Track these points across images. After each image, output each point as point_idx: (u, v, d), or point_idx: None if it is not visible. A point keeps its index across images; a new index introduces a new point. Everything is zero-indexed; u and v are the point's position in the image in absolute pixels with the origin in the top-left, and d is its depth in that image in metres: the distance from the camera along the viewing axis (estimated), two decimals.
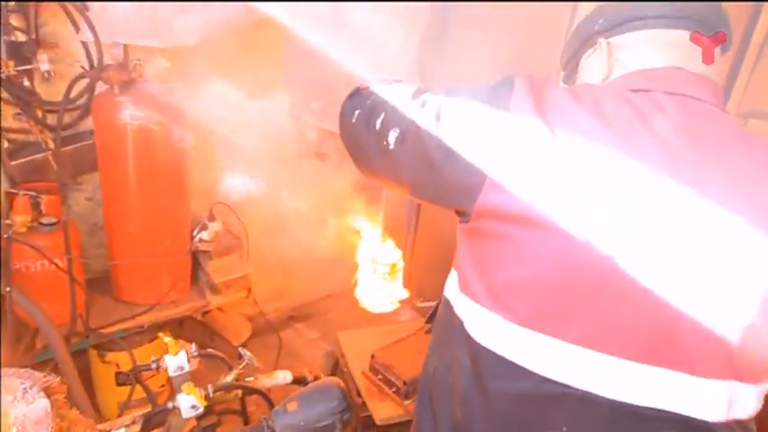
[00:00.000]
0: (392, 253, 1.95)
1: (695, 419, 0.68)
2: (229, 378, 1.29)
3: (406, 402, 1.96)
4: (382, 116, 0.82)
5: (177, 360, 1.23)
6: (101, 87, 1.85)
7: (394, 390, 1.98)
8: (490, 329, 0.75)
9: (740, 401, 0.69)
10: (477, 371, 0.77)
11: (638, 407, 0.69)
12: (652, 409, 0.69)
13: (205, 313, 2.49)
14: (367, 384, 2.07)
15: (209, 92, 2.13)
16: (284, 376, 1.39)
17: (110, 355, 1.99)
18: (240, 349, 1.32)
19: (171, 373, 1.23)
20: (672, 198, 0.66)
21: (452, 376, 0.83)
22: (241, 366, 1.31)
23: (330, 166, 2.86)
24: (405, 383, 1.96)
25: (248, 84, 2.26)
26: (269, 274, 2.86)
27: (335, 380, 1.29)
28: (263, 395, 1.29)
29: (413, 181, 0.84)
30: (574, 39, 0.93)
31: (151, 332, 2.09)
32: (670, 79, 0.77)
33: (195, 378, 1.32)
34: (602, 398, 0.69)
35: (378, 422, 1.93)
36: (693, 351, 0.67)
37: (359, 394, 2.08)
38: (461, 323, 0.80)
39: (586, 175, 0.67)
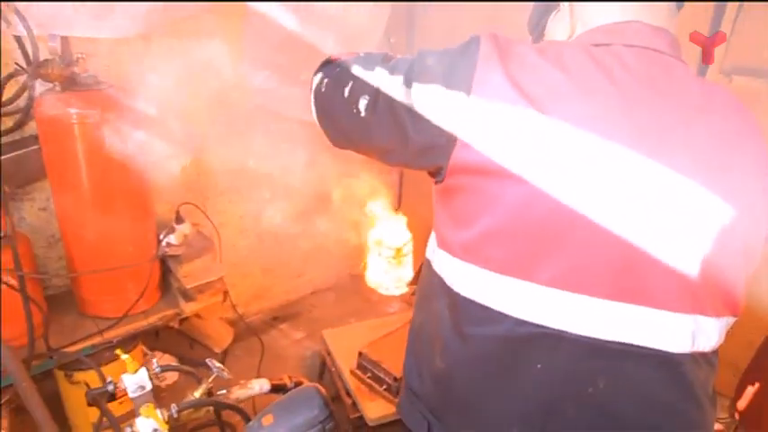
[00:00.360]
0: (398, 237, 1.81)
1: (662, 351, 0.73)
2: (198, 393, 1.17)
3: (398, 399, 1.86)
4: (351, 84, 0.84)
5: (136, 379, 1.11)
6: (44, 87, 1.70)
7: (385, 387, 1.88)
8: (467, 279, 0.78)
9: (703, 334, 0.75)
10: (456, 320, 0.81)
11: (607, 342, 0.73)
12: (621, 343, 0.73)
13: (183, 321, 2.35)
14: (356, 383, 1.96)
15: (164, 83, 1.98)
16: (261, 386, 1.27)
17: (77, 375, 1.85)
18: (208, 361, 1.19)
19: (130, 394, 1.10)
20: (632, 145, 0.69)
21: (433, 329, 0.87)
22: (210, 380, 1.18)
23: (305, 156, 2.72)
24: (395, 380, 1.85)
25: (207, 72, 2.12)
26: (248, 275, 2.73)
27: (315, 386, 1.17)
28: (237, 409, 1.17)
29: (385, 146, 0.85)
30: (539, 3, 0.95)
31: (122, 346, 1.96)
32: (628, 32, 0.79)
33: (178, 390, 1.20)
34: (574, 335, 0.73)
35: (369, 422, 1.83)
36: (658, 286, 0.71)
37: (348, 394, 1.98)
38: (440, 278, 0.83)
39: (552, 127, 0.69)
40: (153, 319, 1.99)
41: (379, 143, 0.85)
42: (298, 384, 1.35)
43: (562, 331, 0.73)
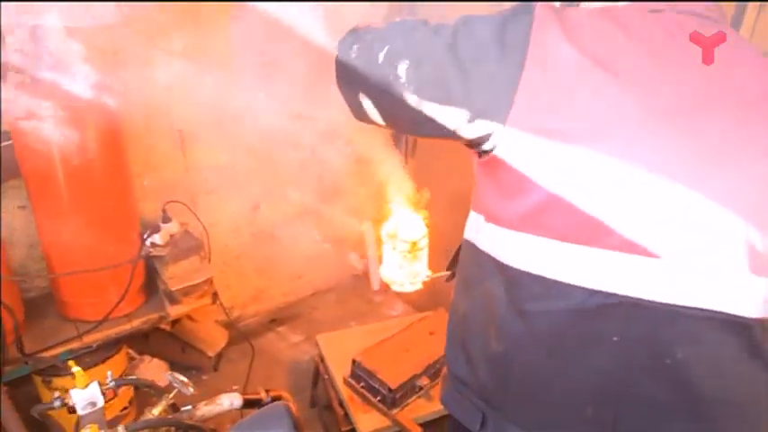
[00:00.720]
0: (413, 230, 1.70)
1: (737, 317, 0.70)
2: (156, 411, 1.06)
3: (394, 411, 1.74)
4: (386, 48, 0.78)
5: (86, 395, 1.00)
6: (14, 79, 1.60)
7: (379, 398, 1.76)
8: (526, 252, 0.74)
9: None
10: (514, 298, 0.77)
11: (684, 307, 0.69)
12: (698, 308, 0.69)
13: (174, 323, 2.26)
14: (349, 393, 1.84)
15: (148, 73, 1.89)
16: (231, 401, 1.16)
17: (56, 381, 1.77)
18: (168, 374, 1.08)
19: (79, 411, 0.99)
20: (701, 103, 0.69)
21: (484, 312, 0.82)
22: (170, 396, 1.07)
23: (302, 151, 2.61)
24: (390, 390, 1.73)
25: (194, 62, 2.02)
26: (243, 276, 2.63)
27: (285, 404, 1.05)
28: (196, 429, 1.05)
29: (427, 114, 0.78)
30: None
31: (106, 351, 1.87)
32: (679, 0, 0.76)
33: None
34: (651, 302, 0.70)
35: None
36: (733, 248, 0.68)
37: (341, 405, 1.86)
38: (490, 257, 0.79)
39: (622, 89, 0.67)
40: (137, 323, 1.90)
41: (420, 111, 0.79)
42: (275, 399, 1.23)
43: (638, 299, 0.69)
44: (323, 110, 2.53)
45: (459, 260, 0.94)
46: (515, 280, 0.76)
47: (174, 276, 1.92)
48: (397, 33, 0.80)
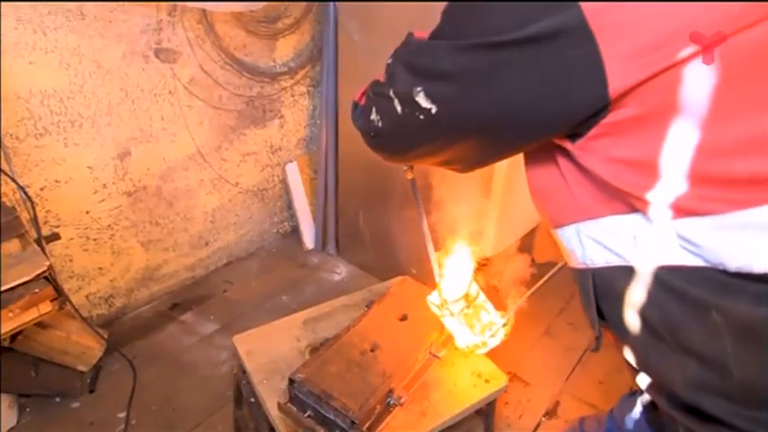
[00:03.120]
0: (457, 284, 1.37)
1: None
2: None
3: None
4: (391, 92, 0.72)
5: None
6: None
7: None
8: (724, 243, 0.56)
9: None
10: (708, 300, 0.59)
11: None
12: None
13: (15, 337, 1.50)
14: (289, 426, 1.20)
15: None
16: None
17: None
18: None
19: None
20: None
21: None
22: None
23: (186, 67, 1.81)
24: (354, 423, 1.11)
25: None
26: (122, 252, 1.86)
27: None
28: None
29: (496, 120, 0.65)
30: None
31: None
32: None
33: None
34: None
35: None
36: None
37: None
38: (700, 271, 0.59)
39: None
40: None
41: (485, 124, 0.66)
42: None
43: None
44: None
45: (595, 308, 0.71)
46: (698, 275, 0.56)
47: None
48: (399, 70, 0.70)
